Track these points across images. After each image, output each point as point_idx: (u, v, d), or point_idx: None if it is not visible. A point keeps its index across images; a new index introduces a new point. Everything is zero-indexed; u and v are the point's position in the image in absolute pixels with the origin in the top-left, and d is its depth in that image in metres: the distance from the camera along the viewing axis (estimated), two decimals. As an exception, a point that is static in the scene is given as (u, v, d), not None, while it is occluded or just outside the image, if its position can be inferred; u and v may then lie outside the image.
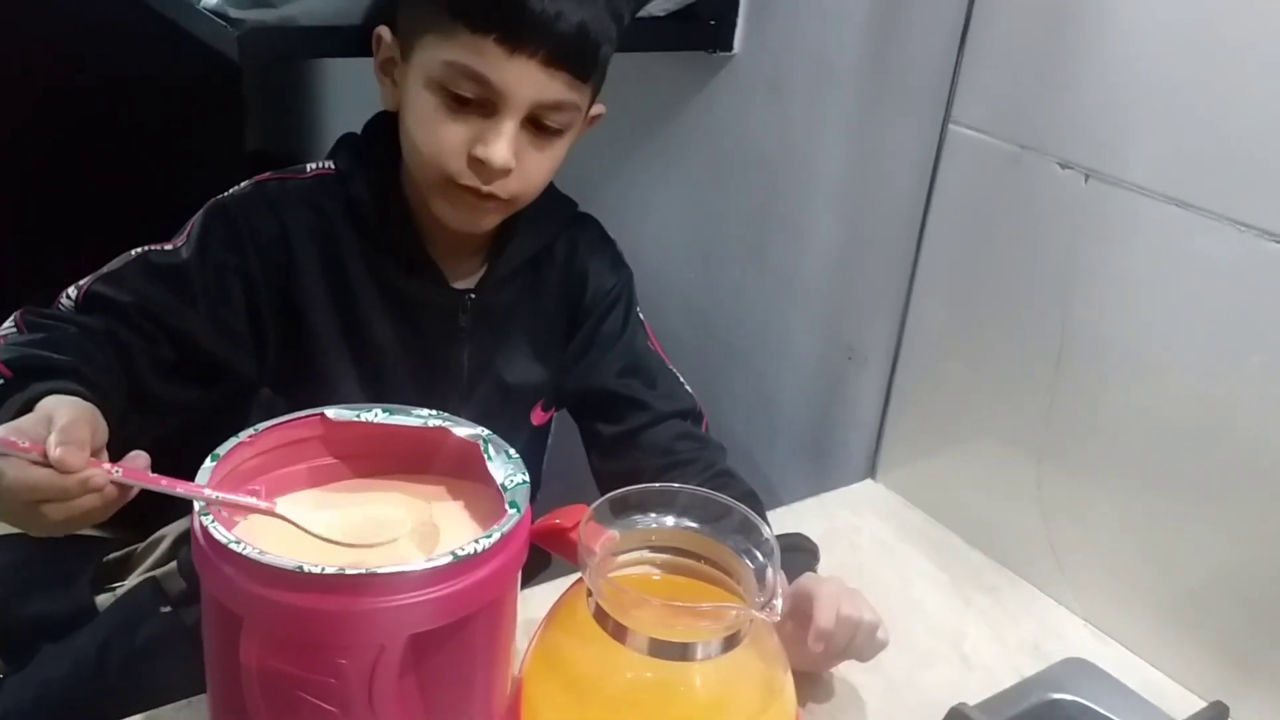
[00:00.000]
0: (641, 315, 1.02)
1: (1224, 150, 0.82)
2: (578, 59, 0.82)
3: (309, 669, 0.55)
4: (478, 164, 0.82)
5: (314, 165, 0.92)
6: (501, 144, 0.82)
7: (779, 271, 1.24)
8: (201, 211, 0.88)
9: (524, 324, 0.97)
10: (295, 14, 0.93)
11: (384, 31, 0.87)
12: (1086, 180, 0.91)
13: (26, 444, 0.60)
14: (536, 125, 0.84)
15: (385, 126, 0.90)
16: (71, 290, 0.83)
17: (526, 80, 0.81)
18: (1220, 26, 0.81)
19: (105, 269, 0.84)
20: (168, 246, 0.86)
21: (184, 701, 0.72)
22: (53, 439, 0.60)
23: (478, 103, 0.82)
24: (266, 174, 0.91)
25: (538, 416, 1.01)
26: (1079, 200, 0.91)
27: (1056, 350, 0.95)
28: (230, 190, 0.90)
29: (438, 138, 0.83)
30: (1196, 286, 0.85)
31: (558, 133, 0.86)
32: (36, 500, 0.60)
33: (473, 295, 0.93)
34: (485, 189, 0.84)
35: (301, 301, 0.89)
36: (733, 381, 1.33)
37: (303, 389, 0.87)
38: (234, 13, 0.92)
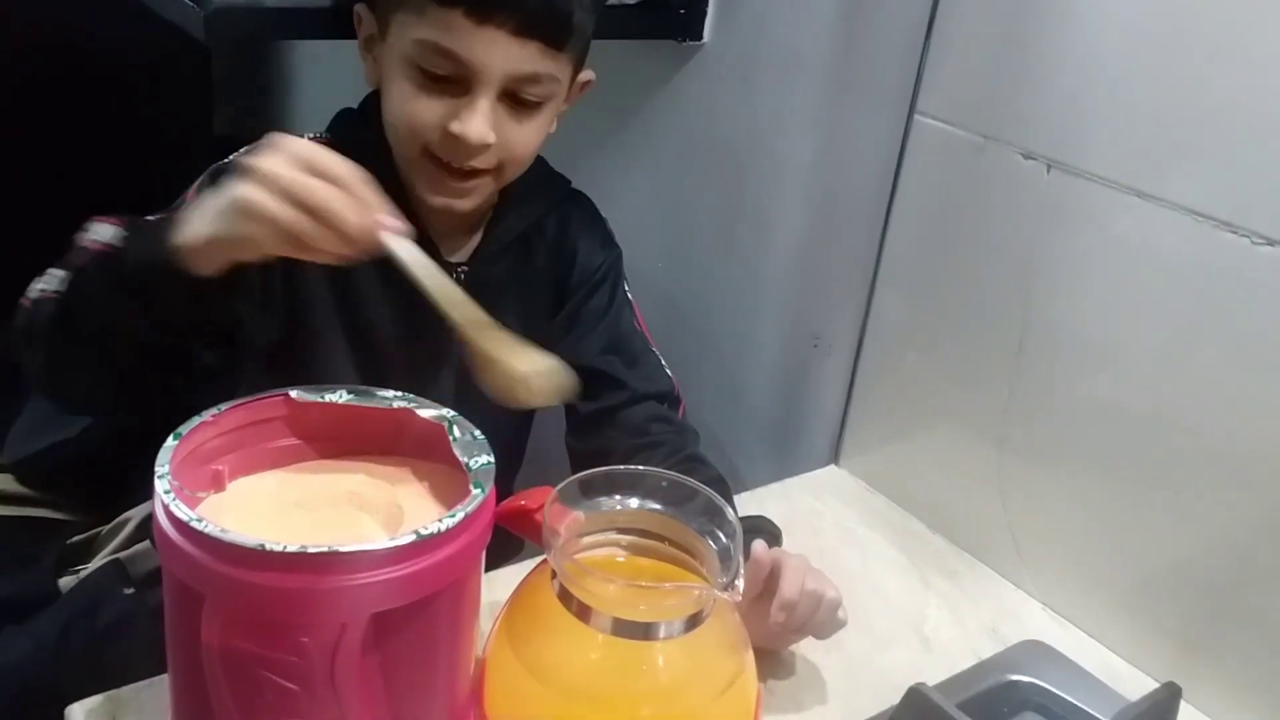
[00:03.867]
0: (630, 295, 1.03)
1: (1183, 142, 0.83)
2: (549, 27, 0.81)
3: (271, 648, 0.55)
4: (454, 140, 0.82)
5: (310, 135, 0.91)
6: (476, 119, 0.81)
7: (746, 260, 1.25)
8: (204, 175, 0.86)
9: (515, 299, 0.97)
10: (263, -7, 0.92)
11: (362, 9, 0.87)
12: (1049, 170, 0.92)
13: None
14: (514, 98, 0.84)
15: (379, 104, 0.90)
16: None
17: (497, 52, 0.80)
18: (1181, 19, 0.82)
19: None
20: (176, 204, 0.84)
21: (145, 682, 0.72)
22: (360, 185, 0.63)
23: (452, 80, 0.81)
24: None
25: None
26: (1041, 190, 0.92)
27: (1017, 339, 0.96)
28: (231, 157, 0.88)
29: (413, 115, 0.83)
30: (1155, 276, 0.86)
31: (537, 105, 0.85)
32: (307, 211, 0.62)
33: (465, 268, 0.94)
34: (465, 165, 0.84)
35: (297, 269, 0.87)
36: (700, 368, 1.33)
37: (293, 360, 0.87)
38: (200, -8, 0.91)
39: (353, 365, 0.91)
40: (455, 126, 0.81)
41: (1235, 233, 0.81)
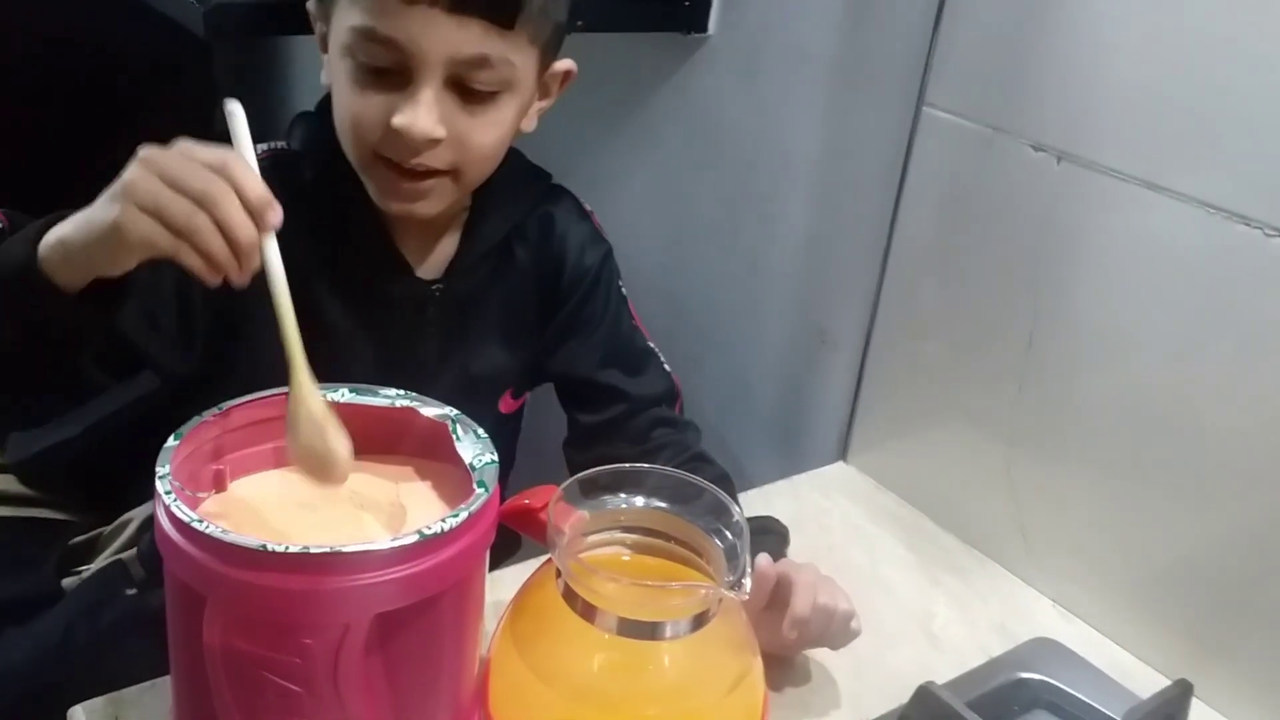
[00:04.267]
0: (624, 289, 0.99)
1: (1195, 133, 0.82)
2: (489, 2, 0.74)
3: (273, 649, 0.55)
4: (398, 136, 0.75)
5: (265, 146, 0.86)
6: (419, 110, 0.75)
7: (752, 254, 1.24)
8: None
9: (494, 310, 0.92)
10: (263, -11, 0.92)
11: (312, 5, 0.82)
12: (1059, 162, 0.91)
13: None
14: (463, 87, 0.77)
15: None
16: None
17: (433, 33, 0.73)
18: (1192, 9, 0.81)
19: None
20: None
21: (147, 683, 0.71)
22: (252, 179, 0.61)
23: (393, 71, 0.75)
24: None
25: (506, 404, 0.98)
26: (1051, 182, 0.91)
27: (1027, 333, 0.95)
28: None
29: (355, 111, 0.77)
30: (1166, 269, 0.85)
31: (492, 95, 0.78)
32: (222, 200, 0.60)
33: (440, 286, 0.88)
34: (412, 163, 0.77)
35: (245, 296, 0.83)
36: (705, 364, 1.33)
37: (251, 385, 0.78)
38: (200, -12, 0.91)
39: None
40: (397, 120, 0.75)
41: (1248, 225, 0.80)
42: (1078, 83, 0.89)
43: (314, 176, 0.84)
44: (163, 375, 0.83)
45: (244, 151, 0.64)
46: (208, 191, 0.60)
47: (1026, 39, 0.92)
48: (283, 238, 0.81)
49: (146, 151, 0.61)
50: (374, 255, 0.86)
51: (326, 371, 0.78)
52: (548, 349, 0.96)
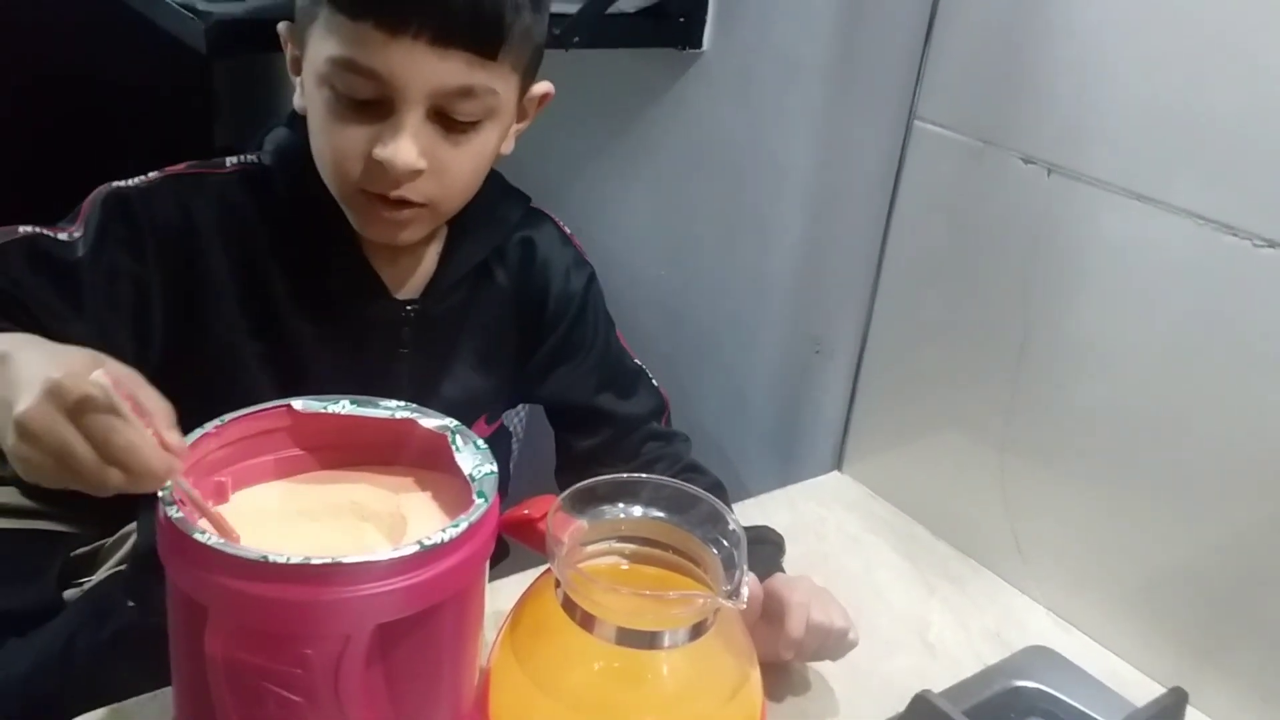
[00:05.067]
0: (605, 308, 0.99)
1: (1185, 145, 0.83)
2: (474, 34, 0.72)
3: (274, 659, 0.55)
4: (380, 168, 0.74)
5: (235, 159, 0.84)
6: (402, 143, 0.73)
7: (748, 266, 1.25)
8: (99, 200, 0.79)
9: (470, 333, 0.90)
10: (264, 6, 0.92)
11: (284, 28, 0.80)
12: (1049, 174, 0.92)
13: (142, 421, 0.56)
14: (446, 119, 0.75)
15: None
16: None
17: (416, 66, 0.71)
18: (1180, 22, 0.82)
19: None
20: (61, 236, 0.77)
21: (149, 695, 0.71)
22: (160, 420, 0.57)
23: (374, 102, 0.73)
24: (181, 165, 0.83)
25: (480, 430, 0.95)
26: (1041, 194, 0.92)
27: (1019, 343, 0.96)
28: (135, 179, 0.81)
29: (335, 143, 0.75)
30: (1155, 279, 0.86)
31: (474, 124, 0.76)
32: (119, 460, 0.55)
33: (416, 307, 0.86)
34: (394, 195, 0.76)
35: (210, 316, 0.81)
36: (701, 375, 1.33)
37: (212, 404, 0.69)
38: (201, 5, 0.92)
39: (272, 384, 0.83)
40: (379, 152, 0.73)
41: (1236, 235, 0.81)
42: (1068, 96, 0.90)
43: (287, 193, 0.83)
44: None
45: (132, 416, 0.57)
46: (105, 484, 0.56)
47: (1017, 52, 0.93)
48: (253, 252, 0.81)
49: (25, 417, 0.55)
50: (347, 274, 0.84)
51: (291, 389, 0.75)
52: (536, 376, 0.95)
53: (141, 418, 0.57)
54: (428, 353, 0.88)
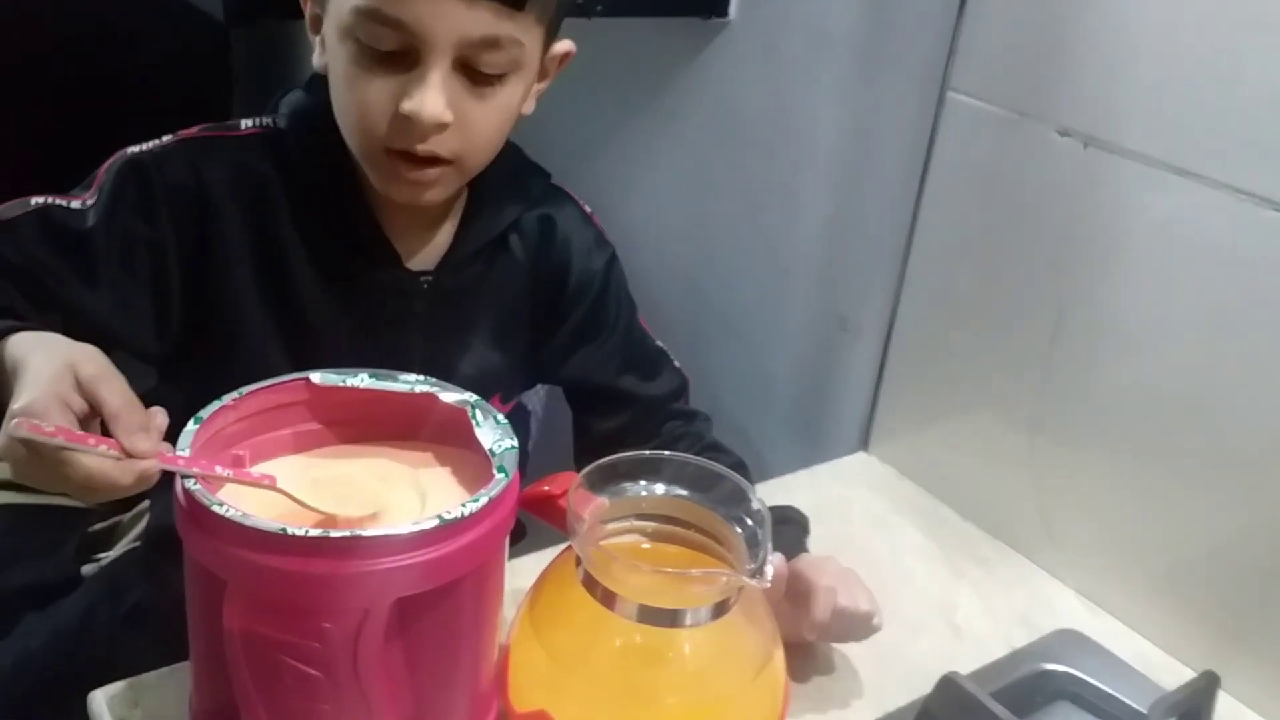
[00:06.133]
0: (628, 291, 0.98)
1: (1223, 117, 0.81)
2: None
3: (293, 633, 0.55)
4: (407, 122, 0.73)
5: (250, 122, 0.84)
6: (430, 94, 0.72)
7: (773, 242, 1.23)
8: (115, 167, 0.79)
9: (486, 309, 0.89)
10: (281, -27, 0.91)
11: None
12: (1085, 147, 0.89)
13: (93, 440, 0.56)
14: (471, 70, 0.74)
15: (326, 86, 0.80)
16: None
17: (443, 14, 0.70)
18: (1222, -9, 0.80)
19: None
20: (74, 204, 0.77)
21: (167, 668, 0.71)
22: (122, 426, 0.57)
23: (399, 53, 0.72)
24: (194, 128, 0.82)
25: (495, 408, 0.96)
26: (1077, 168, 0.90)
27: (1052, 321, 0.94)
28: (148, 144, 0.80)
29: (360, 97, 0.74)
30: (1194, 255, 0.84)
31: (499, 77, 0.75)
32: (85, 487, 0.57)
33: (430, 278, 0.85)
34: (421, 151, 0.75)
35: (222, 280, 0.80)
36: (725, 353, 1.32)
37: (224, 371, 0.71)
38: (219, -28, 0.91)
39: (283, 352, 0.82)
40: (406, 105, 0.72)
41: (1277, 210, 0.78)
42: (1105, 67, 0.88)
43: (301, 157, 0.82)
44: (136, 356, 0.80)
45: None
46: (90, 501, 0.59)
47: (1052, 22, 0.91)
48: (266, 215, 0.81)
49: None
50: (361, 241, 0.83)
51: (302, 357, 0.77)
52: (558, 357, 0.94)
53: (109, 419, 0.58)
54: (442, 326, 0.87)
